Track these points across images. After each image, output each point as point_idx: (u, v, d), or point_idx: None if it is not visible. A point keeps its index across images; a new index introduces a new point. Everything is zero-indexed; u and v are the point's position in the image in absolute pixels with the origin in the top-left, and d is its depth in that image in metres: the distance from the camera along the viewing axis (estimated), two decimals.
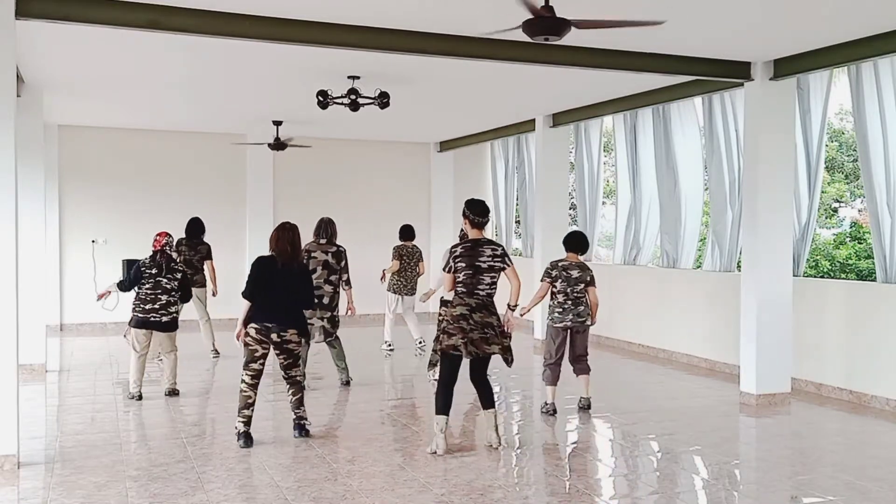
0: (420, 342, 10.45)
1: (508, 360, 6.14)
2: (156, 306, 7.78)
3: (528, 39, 5.25)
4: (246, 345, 6.24)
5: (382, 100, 8.91)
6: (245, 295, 6.25)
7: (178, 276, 7.93)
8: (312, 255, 8.15)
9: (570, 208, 13.31)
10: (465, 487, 5.23)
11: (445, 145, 15.08)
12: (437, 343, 6.05)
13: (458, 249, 6.08)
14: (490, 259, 6.01)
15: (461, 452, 6.08)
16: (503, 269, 6.05)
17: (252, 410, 6.28)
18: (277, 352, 6.27)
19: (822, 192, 11.28)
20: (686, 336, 10.19)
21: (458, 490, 5.17)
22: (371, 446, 6.26)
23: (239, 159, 13.87)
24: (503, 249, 6.13)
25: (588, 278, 7.29)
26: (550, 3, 5.02)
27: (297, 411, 6.50)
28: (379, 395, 8.34)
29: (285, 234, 6.32)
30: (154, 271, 7.83)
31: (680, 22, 6.34)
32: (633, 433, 6.83)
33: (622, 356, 10.69)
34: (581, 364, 7.42)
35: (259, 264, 6.32)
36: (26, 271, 7.31)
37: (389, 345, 10.80)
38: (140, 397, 7.84)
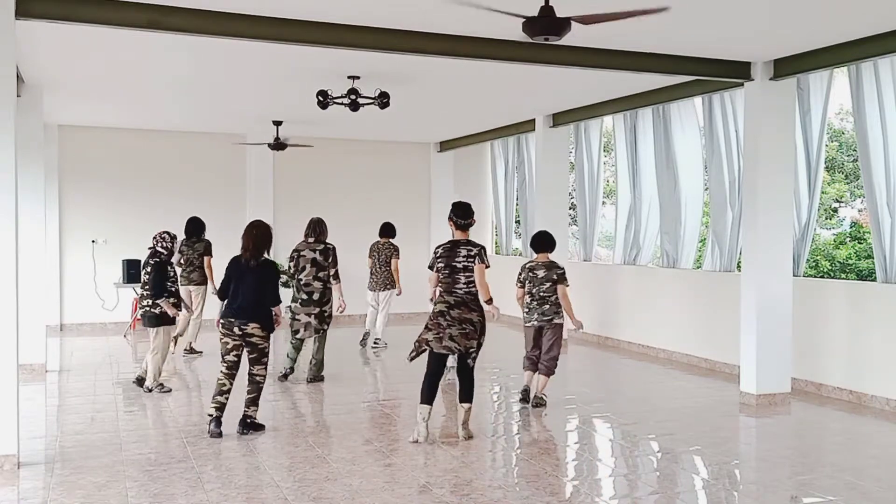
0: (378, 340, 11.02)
1: (473, 360, 6.30)
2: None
3: (528, 39, 5.24)
4: (220, 339, 6.55)
5: (382, 100, 8.91)
6: (218, 292, 6.71)
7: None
8: (301, 253, 8.49)
9: (570, 208, 13.30)
10: (466, 487, 5.23)
11: (445, 145, 15.07)
12: (418, 336, 6.30)
13: (440, 250, 6.42)
14: (465, 259, 6.29)
15: (461, 452, 6.08)
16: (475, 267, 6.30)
17: (225, 398, 6.52)
18: (243, 345, 6.50)
19: (822, 192, 11.27)
20: (686, 336, 10.18)
21: (458, 490, 5.17)
22: (371, 446, 6.26)
23: (239, 159, 13.87)
24: (479, 250, 6.34)
25: (555, 276, 7.39)
26: (550, 3, 5.01)
27: (246, 410, 6.60)
28: (381, 395, 8.33)
29: (250, 231, 6.62)
30: None
31: (680, 22, 6.34)
32: (633, 433, 6.82)
33: (622, 356, 10.68)
34: (543, 363, 7.45)
35: (229, 263, 6.66)
36: (26, 271, 7.32)
37: (384, 342, 11.15)
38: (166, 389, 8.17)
